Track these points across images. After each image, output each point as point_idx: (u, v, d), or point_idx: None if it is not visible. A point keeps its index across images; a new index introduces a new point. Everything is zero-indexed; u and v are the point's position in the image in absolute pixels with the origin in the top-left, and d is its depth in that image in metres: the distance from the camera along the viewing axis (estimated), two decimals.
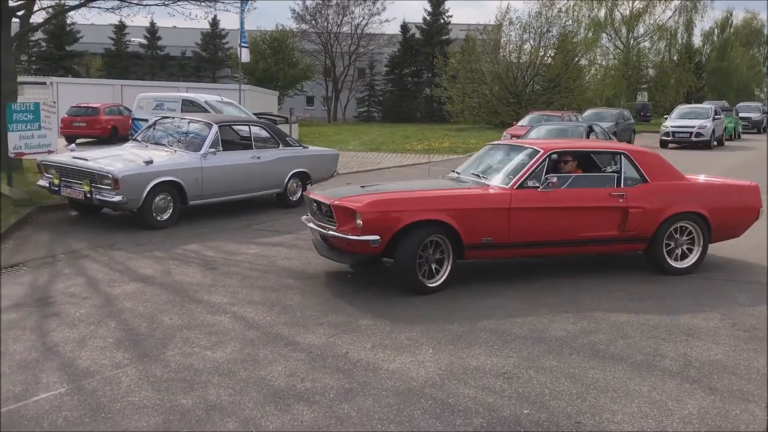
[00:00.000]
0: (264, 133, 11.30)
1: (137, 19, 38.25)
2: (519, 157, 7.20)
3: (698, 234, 7.32)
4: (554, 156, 7.22)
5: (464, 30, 44.14)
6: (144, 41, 51.95)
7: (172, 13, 29.48)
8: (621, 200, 7.01)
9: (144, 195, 9.05)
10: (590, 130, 16.88)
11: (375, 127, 39.18)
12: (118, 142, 18.18)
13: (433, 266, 6.40)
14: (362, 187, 7.14)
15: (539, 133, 17.59)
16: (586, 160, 7.86)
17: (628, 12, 49.46)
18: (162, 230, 9.20)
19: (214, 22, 53.54)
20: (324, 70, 54.90)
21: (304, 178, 11.32)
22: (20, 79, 16.87)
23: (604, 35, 50.10)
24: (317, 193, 7.03)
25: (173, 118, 11.51)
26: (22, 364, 4.68)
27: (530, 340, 5.27)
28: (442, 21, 53.18)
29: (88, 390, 4.30)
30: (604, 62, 50.47)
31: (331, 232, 6.42)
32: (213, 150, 9.96)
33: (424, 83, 53.12)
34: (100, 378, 4.47)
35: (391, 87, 55.29)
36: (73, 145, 10.61)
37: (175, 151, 9.96)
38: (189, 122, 10.74)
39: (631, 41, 50.30)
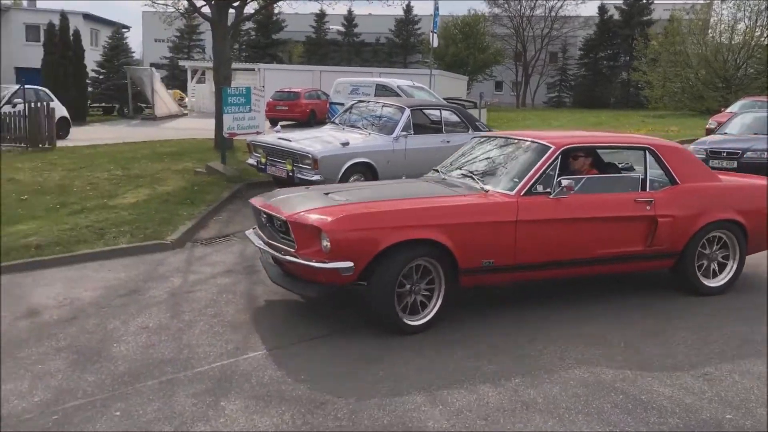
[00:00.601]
0: (454, 118, 11.41)
1: (337, 8, 40.06)
2: (523, 155, 5.72)
3: (734, 245, 6.04)
4: (568, 153, 5.78)
5: (668, 10, 41.35)
6: (342, 28, 54.31)
7: (370, 0, 30.40)
8: (648, 207, 5.67)
9: (340, 175, 9.51)
10: None
11: (565, 113, 38.01)
12: (316, 125, 19.25)
13: (418, 298, 5.01)
14: (326, 194, 5.52)
15: (744, 120, 15.91)
16: (601, 158, 6.50)
17: None
18: None
19: (408, 9, 54.58)
20: (514, 54, 54.08)
21: None
22: (233, 66, 18.35)
23: None
24: (266, 202, 5.58)
25: (368, 102, 11.97)
26: (234, 325, 5.18)
27: (733, 342, 4.89)
28: (644, 1, 50.12)
29: (291, 353, 4.66)
30: None
31: (288, 257, 4.97)
32: (405, 133, 10.23)
33: (621, 67, 50.54)
34: (303, 345, 4.83)
35: (585, 71, 53.18)
36: (279, 126, 11.37)
37: (369, 133, 10.37)
38: (383, 106, 11.11)
39: None
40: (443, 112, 11.42)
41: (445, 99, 19.15)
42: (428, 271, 5.00)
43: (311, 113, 26.36)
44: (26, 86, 18.33)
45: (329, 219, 4.79)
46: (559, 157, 5.51)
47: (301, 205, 5.18)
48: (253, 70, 35.06)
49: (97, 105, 32.90)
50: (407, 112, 10.46)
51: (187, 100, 37.44)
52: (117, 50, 35.79)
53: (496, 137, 6.49)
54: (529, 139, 5.87)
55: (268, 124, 14.43)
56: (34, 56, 31.51)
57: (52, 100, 18.64)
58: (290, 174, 9.72)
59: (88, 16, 41.18)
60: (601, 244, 5.51)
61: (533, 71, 54.26)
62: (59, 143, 16.58)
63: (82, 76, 28.72)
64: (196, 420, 3.72)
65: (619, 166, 6.54)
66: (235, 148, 14.12)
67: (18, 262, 6.66)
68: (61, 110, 19.23)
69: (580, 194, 5.47)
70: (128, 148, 15.58)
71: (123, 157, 13.88)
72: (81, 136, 19.71)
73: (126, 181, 11.00)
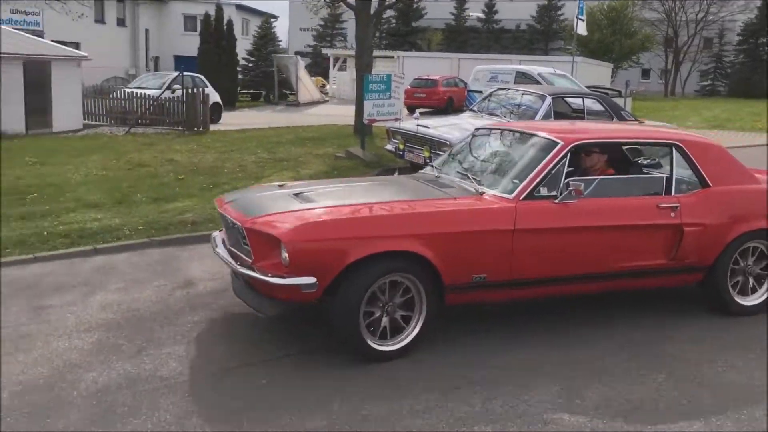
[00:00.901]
0: (597, 107, 11.01)
1: None
2: (528, 151, 4.97)
3: None
4: (579, 149, 5.05)
5: None
6: (482, 15, 53.72)
7: None
8: (673, 214, 4.90)
9: None
10: None
11: (719, 102, 35.57)
12: (453, 113, 19.24)
13: (393, 319, 4.34)
14: (296, 194, 4.80)
15: None
16: (619, 155, 5.70)
17: None
18: None
19: None
20: (664, 40, 51.18)
21: None
22: (374, 53, 18.71)
23: None
24: (225, 202, 4.95)
25: (507, 89, 11.83)
26: None
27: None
28: None
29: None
30: None
31: (241, 269, 4.37)
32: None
33: None
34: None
35: (743, 58, 49.43)
36: (417, 113, 11.50)
37: (508, 121, 10.25)
38: (522, 94, 10.93)
39: None
40: (586, 100, 11.05)
41: (587, 87, 18.51)
42: (408, 288, 4.32)
43: (449, 101, 26.37)
44: (184, 73, 19.65)
45: (289, 227, 4.14)
46: (568, 154, 4.74)
47: (263, 208, 4.53)
48: (393, 57, 35.53)
49: (246, 91, 34.69)
50: (548, 100, 10.23)
51: (328, 87, 38.61)
52: (265, 39, 37.40)
53: (503, 129, 5.70)
54: (536, 132, 5.11)
55: (405, 111, 14.63)
56: (191, 45, 33.66)
57: (207, 87, 19.88)
58: (427, 160, 9.80)
59: (240, 7, 43.38)
60: (615, 257, 4.77)
61: (684, 58, 51.12)
62: (212, 127, 17.67)
63: (234, 64, 30.40)
64: None
65: (645, 163, 5.82)
66: (373, 134, 14.43)
67: (175, 237, 7.21)
68: (214, 96, 20.49)
69: (592, 198, 4.74)
70: (273, 133, 16.35)
71: (269, 141, 14.59)
72: (231, 120, 20.90)
73: (271, 164, 11.58)
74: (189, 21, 40.36)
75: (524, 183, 4.61)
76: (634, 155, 6.02)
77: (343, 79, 36.27)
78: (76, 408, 3.73)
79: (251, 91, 34.99)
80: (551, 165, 4.66)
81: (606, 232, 4.72)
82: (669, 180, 5.03)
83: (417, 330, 4.37)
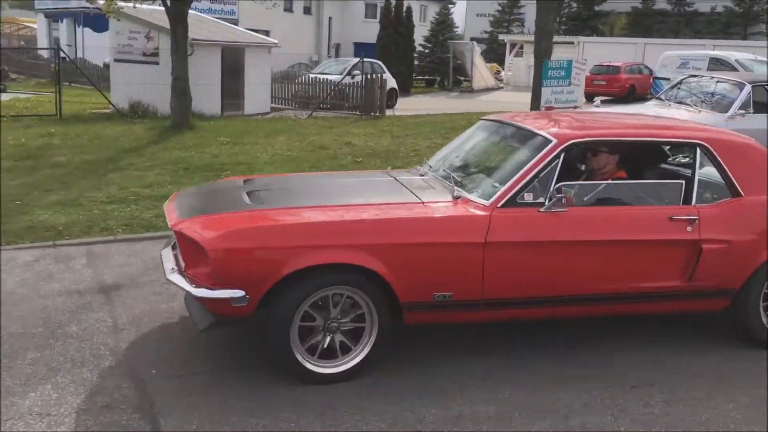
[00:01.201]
0: None
1: None
2: (517, 150, 4.31)
3: None
4: (575, 149, 4.27)
5: None
6: None
7: None
8: (690, 228, 4.06)
9: None
10: None
11: None
12: (634, 102, 18.29)
13: (337, 338, 3.81)
14: (248, 193, 4.26)
15: None
16: (635, 156, 4.72)
17: None
18: None
19: None
20: None
21: None
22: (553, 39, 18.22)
23: None
24: (172, 198, 4.55)
25: (700, 77, 11.06)
26: None
27: None
28: None
29: None
30: None
31: (170, 276, 3.86)
32: (742, 112, 9.26)
33: None
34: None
35: None
36: (598, 101, 11.09)
37: (700, 111, 9.57)
38: (717, 82, 10.15)
39: None
40: None
41: None
42: (358, 304, 3.79)
43: (630, 88, 25.08)
44: (364, 60, 20.31)
45: (214, 234, 3.65)
46: (562, 154, 4.02)
47: (207, 207, 4.09)
48: (573, 43, 34.37)
49: (421, 77, 35.15)
50: (747, 88, 9.43)
51: (503, 73, 38.16)
52: (443, 25, 37.67)
53: (503, 122, 4.89)
54: (529, 127, 4.37)
55: (583, 99, 14.12)
56: (370, 32, 34.70)
57: (385, 73, 20.41)
58: None
59: None
60: (614, 278, 4.04)
61: None
62: (388, 112, 18.15)
63: (411, 50, 30.92)
64: None
65: (671, 167, 4.95)
66: None
67: None
68: (391, 82, 20.99)
69: (588, 207, 4.11)
70: (447, 119, 16.47)
71: (443, 126, 14.73)
72: (406, 106, 21.32)
73: None
74: (370, 8, 41.59)
75: (505, 188, 3.95)
76: (664, 156, 5.12)
77: (518, 66, 35.73)
78: None
79: (426, 77, 35.42)
80: (539, 167, 3.98)
81: (601, 248, 4.00)
82: (689, 186, 4.20)
83: (366, 351, 3.82)
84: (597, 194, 4.19)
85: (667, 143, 4.80)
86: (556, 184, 3.94)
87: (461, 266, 3.80)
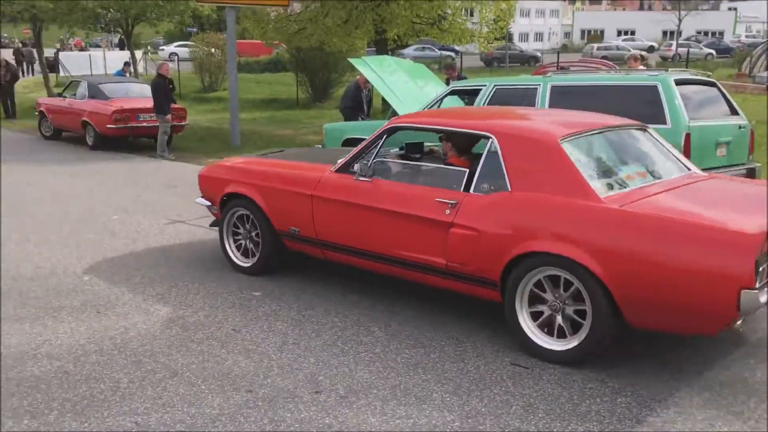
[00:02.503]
0: None
1: None
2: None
3: (589, 296, 3.87)
4: (397, 130, 5.02)
5: None
6: None
7: None
8: (448, 212, 4.37)
9: None
10: None
11: None
12: None
13: (247, 243, 5.84)
14: (274, 152, 6.74)
15: None
16: (468, 144, 5.11)
17: None
18: None
19: None
20: None
21: None
22: None
23: None
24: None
25: None
26: None
27: None
28: None
29: None
30: None
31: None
32: None
33: None
34: None
35: None
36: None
37: None
38: None
39: None
40: None
41: None
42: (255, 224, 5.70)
43: None
44: None
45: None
46: (385, 135, 4.94)
47: (228, 163, 6.32)
48: None
49: None
50: None
51: None
52: None
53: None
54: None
55: None
56: None
57: None
58: None
59: None
60: (396, 244, 4.65)
61: None
62: None
63: None
64: None
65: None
66: None
67: None
68: None
69: (386, 181, 4.86)
70: None
71: None
72: None
73: None
74: None
75: (345, 158, 5.13)
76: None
77: None
78: None
79: None
80: (368, 144, 5.01)
81: (381, 215, 4.71)
82: (471, 175, 4.45)
83: (259, 254, 5.76)
84: (403, 173, 5.11)
85: (463, 133, 4.89)
86: (375, 159, 4.91)
87: (300, 210, 5.22)
